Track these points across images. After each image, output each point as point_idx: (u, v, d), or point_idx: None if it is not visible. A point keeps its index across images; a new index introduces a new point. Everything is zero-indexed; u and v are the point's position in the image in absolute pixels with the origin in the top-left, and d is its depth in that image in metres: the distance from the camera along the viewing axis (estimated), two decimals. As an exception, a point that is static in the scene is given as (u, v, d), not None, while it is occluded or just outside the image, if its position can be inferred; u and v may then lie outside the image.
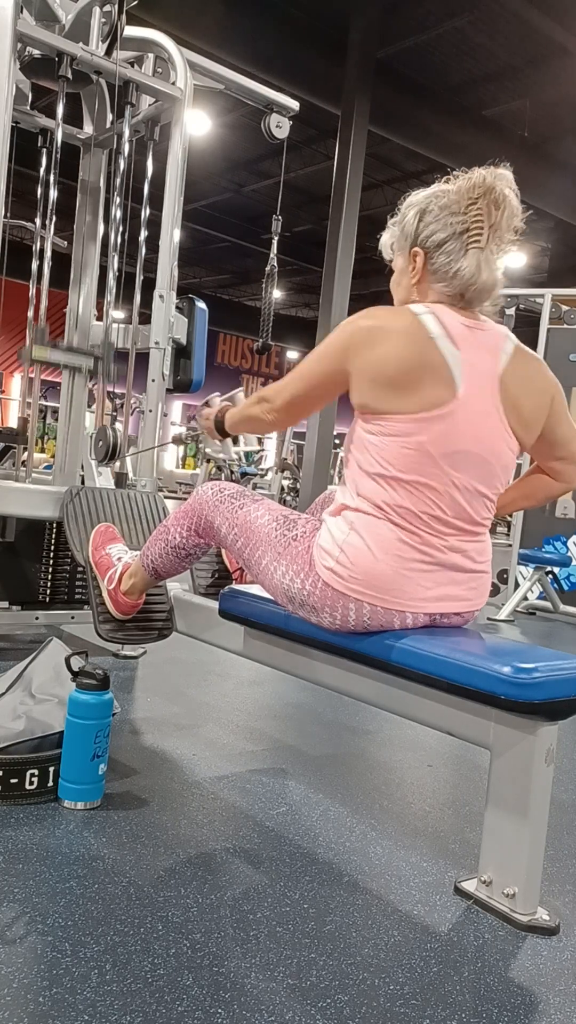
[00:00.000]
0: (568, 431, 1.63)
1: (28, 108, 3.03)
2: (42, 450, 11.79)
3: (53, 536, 2.79)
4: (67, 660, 1.68)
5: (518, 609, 5.14)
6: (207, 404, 1.98)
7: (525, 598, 5.18)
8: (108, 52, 2.60)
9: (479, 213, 1.47)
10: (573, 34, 8.20)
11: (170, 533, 1.90)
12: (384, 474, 1.47)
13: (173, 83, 2.76)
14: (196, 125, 9.48)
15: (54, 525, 2.78)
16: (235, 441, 2.28)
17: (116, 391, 9.03)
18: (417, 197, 1.56)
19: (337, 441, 11.05)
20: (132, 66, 2.78)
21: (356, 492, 1.52)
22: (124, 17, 2.53)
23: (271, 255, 3.13)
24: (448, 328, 1.46)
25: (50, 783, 1.62)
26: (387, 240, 1.64)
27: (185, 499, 2.07)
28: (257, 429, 1.78)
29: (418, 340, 1.45)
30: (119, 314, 2.90)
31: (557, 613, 5.15)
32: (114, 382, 2.74)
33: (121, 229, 2.74)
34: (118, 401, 9.05)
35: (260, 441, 12.81)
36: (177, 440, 2.47)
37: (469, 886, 1.46)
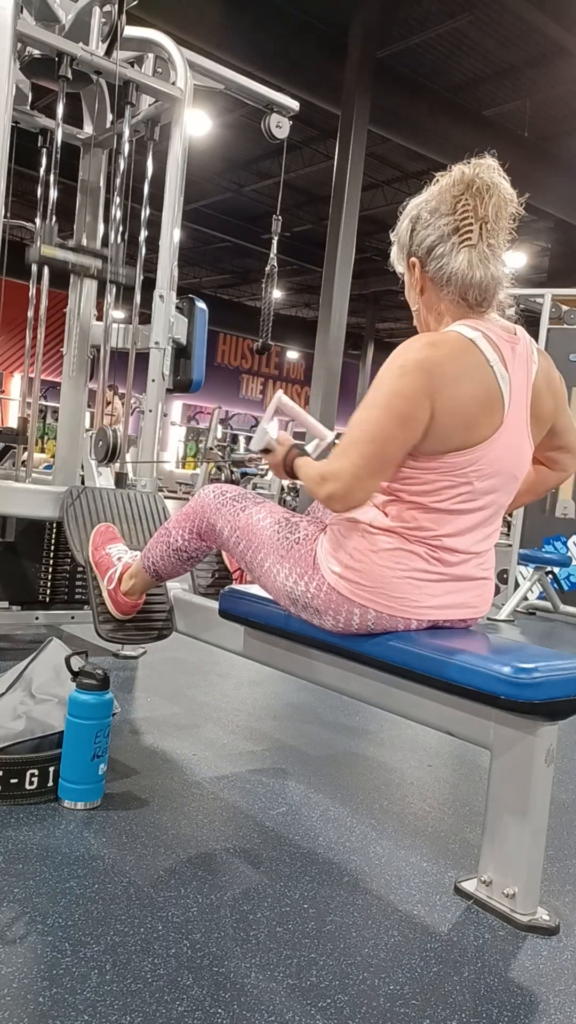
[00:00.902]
0: (567, 422, 1.63)
1: (28, 108, 3.03)
2: (42, 450, 11.80)
3: (53, 536, 2.79)
4: (67, 660, 1.68)
5: (518, 609, 5.14)
6: (270, 439, 1.74)
7: (525, 598, 5.18)
8: (108, 52, 2.60)
9: (465, 207, 1.42)
10: (573, 34, 8.20)
11: (171, 536, 1.90)
12: (416, 503, 1.45)
13: (173, 83, 2.75)
14: (196, 125, 9.48)
15: (54, 525, 2.78)
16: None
17: (113, 393, 9.03)
18: (409, 205, 1.54)
19: (337, 441, 11.02)
20: (132, 66, 2.78)
21: (379, 511, 1.49)
22: (124, 17, 2.53)
23: (271, 255, 3.13)
24: (500, 351, 1.43)
25: (50, 783, 1.62)
26: (394, 255, 1.60)
27: (185, 499, 2.07)
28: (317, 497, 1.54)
29: (484, 372, 1.39)
30: (119, 314, 2.90)
31: (557, 613, 5.15)
32: (123, 284, 2.65)
33: (121, 229, 2.74)
34: (119, 402, 9.05)
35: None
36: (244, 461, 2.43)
37: (469, 886, 1.46)
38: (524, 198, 1.47)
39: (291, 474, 1.64)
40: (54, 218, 2.56)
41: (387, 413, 1.37)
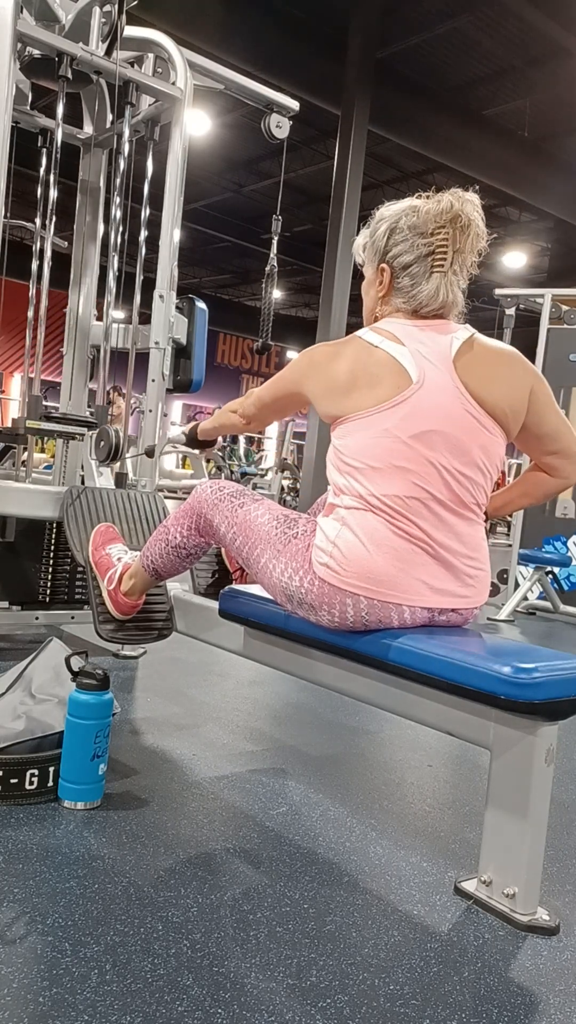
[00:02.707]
0: (558, 424, 1.63)
1: (28, 108, 3.03)
2: (42, 450, 11.79)
3: (53, 536, 2.79)
4: (67, 660, 1.68)
5: (518, 609, 5.14)
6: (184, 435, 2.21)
7: (525, 598, 5.18)
8: (108, 52, 2.60)
9: (445, 238, 1.55)
10: (573, 34, 8.20)
11: (170, 533, 1.91)
12: (359, 467, 1.52)
13: (173, 83, 2.76)
14: (196, 125, 9.49)
15: (54, 525, 2.78)
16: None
17: (116, 392, 9.03)
18: (390, 211, 1.64)
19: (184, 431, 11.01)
20: (132, 66, 2.78)
21: (342, 491, 1.56)
22: (124, 17, 2.53)
23: (271, 255, 3.14)
24: (391, 332, 1.56)
25: (50, 783, 1.62)
26: (359, 244, 1.73)
27: (183, 497, 2.12)
28: (230, 430, 2.00)
29: (362, 351, 1.56)
30: (119, 314, 2.90)
31: (557, 613, 5.15)
32: (113, 446, 2.70)
33: (121, 229, 2.74)
34: (121, 401, 9.05)
35: (257, 443, 12.83)
36: (149, 453, 2.57)
37: (469, 886, 1.46)
38: (491, 239, 1.62)
39: (193, 436, 2.15)
40: (40, 387, 2.64)
41: (277, 386, 1.77)
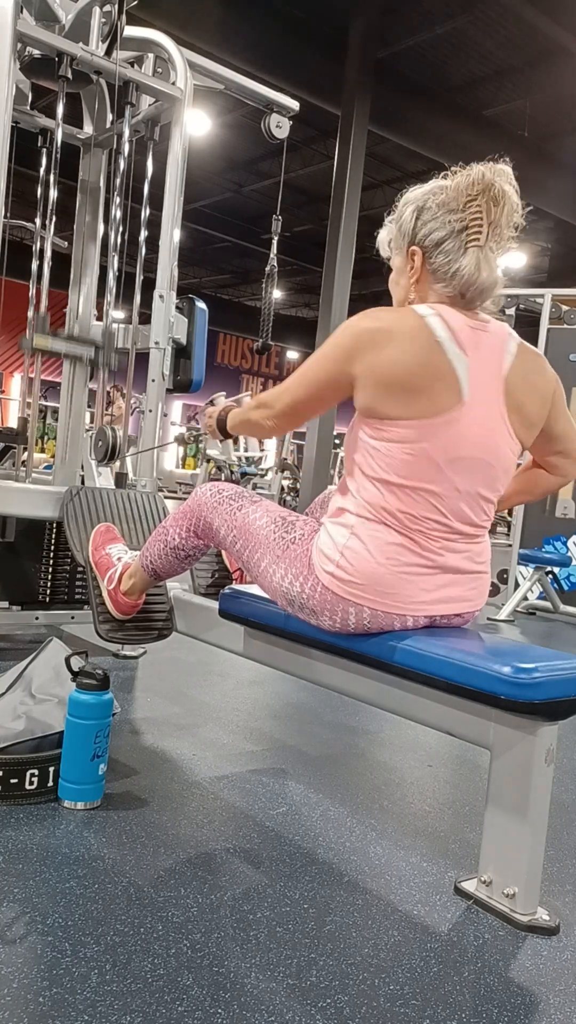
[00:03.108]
0: (567, 427, 1.62)
1: (28, 108, 3.03)
2: (42, 450, 11.79)
3: (53, 536, 2.79)
4: (67, 660, 1.68)
5: (518, 609, 5.14)
6: (211, 403, 1.99)
7: (525, 598, 5.18)
8: (108, 52, 2.60)
9: (478, 210, 1.44)
10: (573, 34, 8.20)
11: (169, 534, 1.90)
12: (387, 480, 1.46)
13: (173, 83, 2.75)
14: (196, 125, 9.48)
15: (54, 525, 2.78)
16: (235, 444, 2.40)
17: (116, 391, 9.03)
18: (415, 194, 1.53)
19: (337, 441, 11.05)
20: (132, 66, 2.78)
21: (357, 496, 1.51)
22: (124, 17, 2.53)
23: (271, 255, 3.13)
24: (455, 331, 1.44)
25: (50, 783, 1.62)
26: (384, 238, 1.60)
27: (185, 499, 2.08)
28: (256, 434, 1.74)
29: (426, 344, 1.42)
30: (119, 314, 2.90)
31: (557, 613, 5.15)
32: (115, 371, 2.73)
33: (121, 229, 2.74)
34: (119, 403, 9.05)
35: (261, 445, 12.83)
36: (180, 440, 2.46)
37: (469, 886, 1.46)
38: (527, 210, 1.49)
39: (223, 427, 1.85)
40: (46, 308, 2.61)
41: (319, 366, 1.52)
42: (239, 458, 11.43)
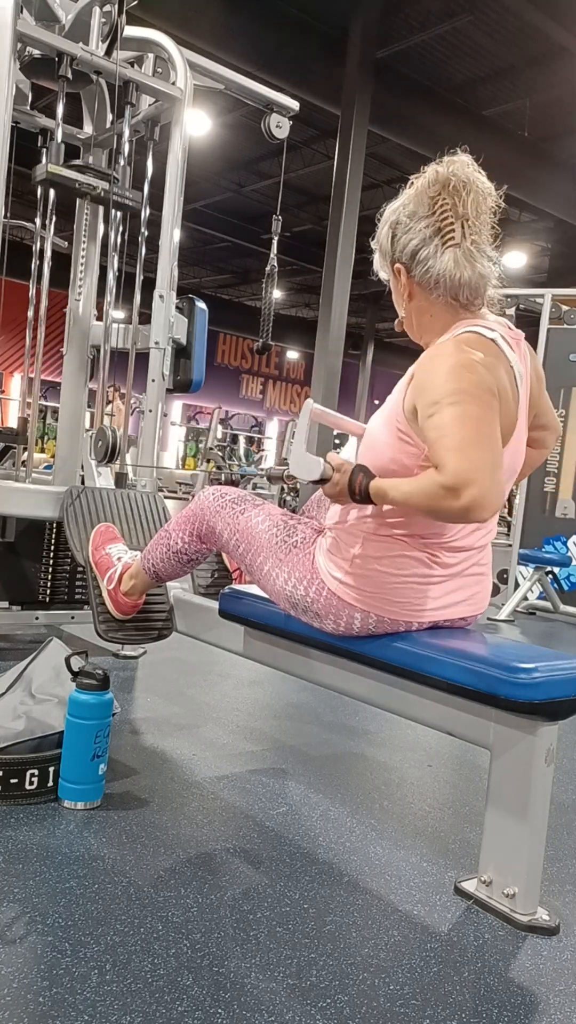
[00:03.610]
0: (546, 403, 1.62)
1: (28, 108, 3.03)
2: (42, 450, 11.80)
3: (53, 536, 2.79)
4: (67, 660, 1.68)
5: (518, 609, 5.14)
6: (325, 466, 1.51)
7: (525, 598, 5.18)
8: (108, 52, 2.60)
9: (444, 208, 1.40)
10: (573, 34, 8.20)
11: (171, 538, 1.90)
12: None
13: (173, 83, 2.75)
14: (196, 125, 9.48)
15: (54, 525, 2.78)
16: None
17: (115, 392, 9.02)
18: (387, 210, 1.52)
19: (337, 441, 11.03)
20: (132, 66, 2.78)
21: (384, 518, 1.47)
22: (124, 17, 2.53)
23: (271, 255, 3.13)
24: (513, 349, 1.42)
25: (50, 783, 1.62)
26: (377, 262, 1.58)
27: (185, 500, 2.07)
28: (448, 517, 1.33)
29: (510, 373, 1.38)
30: (119, 314, 2.90)
31: (557, 613, 5.15)
32: (125, 204, 2.57)
33: (121, 229, 2.73)
34: (118, 403, 9.05)
35: (257, 443, 12.81)
36: (271, 478, 2.39)
37: (469, 886, 1.46)
38: (502, 190, 1.45)
39: (366, 499, 1.42)
40: (61, 135, 2.50)
41: (481, 404, 1.27)
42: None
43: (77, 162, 2.53)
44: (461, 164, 1.42)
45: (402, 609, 1.47)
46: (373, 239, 1.56)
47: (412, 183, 1.48)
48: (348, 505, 1.50)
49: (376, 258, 1.57)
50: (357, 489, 1.42)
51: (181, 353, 2.81)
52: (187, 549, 1.89)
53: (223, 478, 10.63)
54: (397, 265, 1.50)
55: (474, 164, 1.42)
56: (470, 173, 1.41)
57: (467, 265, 1.41)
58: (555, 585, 5.24)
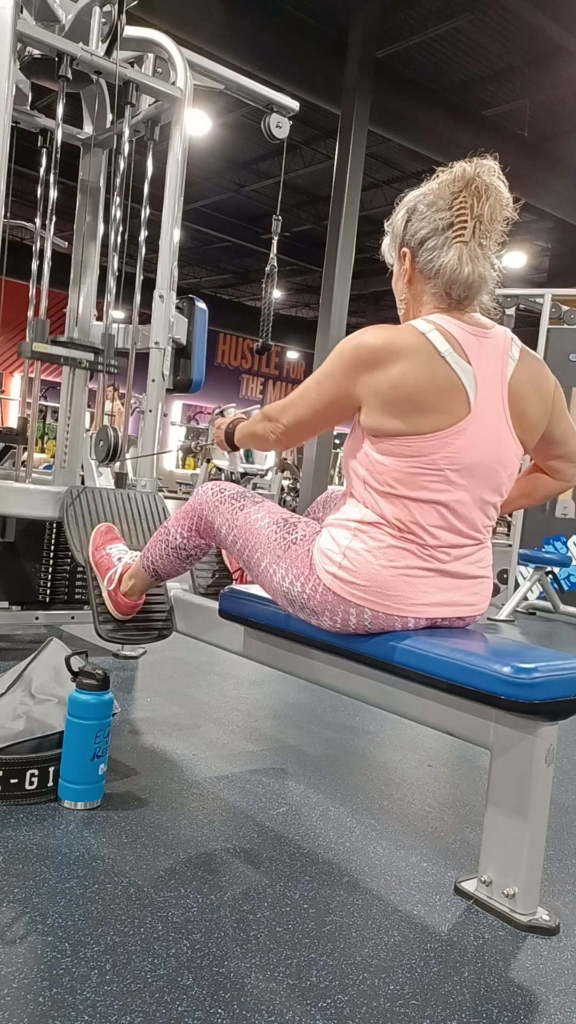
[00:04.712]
0: (567, 430, 1.62)
1: (28, 108, 3.03)
2: (42, 450, 11.80)
3: (53, 536, 2.79)
4: (67, 660, 1.68)
5: (518, 609, 5.14)
6: (221, 413, 1.96)
7: (525, 598, 5.18)
8: (108, 52, 2.60)
9: (462, 205, 1.44)
10: (573, 34, 8.20)
11: (171, 534, 1.90)
12: (393, 492, 1.46)
13: (173, 83, 2.75)
14: (196, 125, 9.48)
15: (54, 525, 2.78)
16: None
17: (114, 393, 9.02)
18: (408, 196, 1.55)
19: (337, 441, 11.04)
20: (132, 66, 2.78)
21: (361, 506, 1.51)
22: (124, 17, 2.53)
23: (271, 255, 3.13)
24: (457, 342, 1.44)
25: (50, 783, 1.62)
26: (386, 245, 1.62)
27: (185, 499, 2.08)
28: (262, 447, 1.73)
29: (430, 360, 1.41)
30: (119, 314, 2.90)
31: (557, 613, 5.15)
32: (115, 374, 2.72)
33: (121, 229, 2.74)
34: (117, 404, 9.05)
35: (265, 460, 12.85)
36: (185, 450, 2.48)
37: (469, 886, 1.46)
38: (519, 204, 1.49)
39: (231, 440, 1.82)
40: (45, 313, 2.59)
41: (321, 386, 1.52)
42: (245, 469, 11.46)
43: (62, 338, 2.64)
44: (488, 169, 1.46)
45: (395, 603, 1.47)
46: (388, 221, 1.60)
47: (437, 175, 1.51)
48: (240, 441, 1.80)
49: (386, 240, 1.61)
50: (227, 428, 1.84)
51: (181, 353, 2.81)
52: (186, 545, 1.89)
53: (223, 478, 10.64)
54: (404, 249, 1.54)
55: (499, 172, 1.46)
56: (494, 180, 1.45)
57: (469, 263, 1.45)
58: (555, 585, 5.24)
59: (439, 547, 1.48)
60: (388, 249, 1.61)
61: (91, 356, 2.60)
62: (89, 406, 3.32)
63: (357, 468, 1.52)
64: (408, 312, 1.58)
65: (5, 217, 2.60)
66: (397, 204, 1.58)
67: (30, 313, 3.16)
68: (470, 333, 1.46)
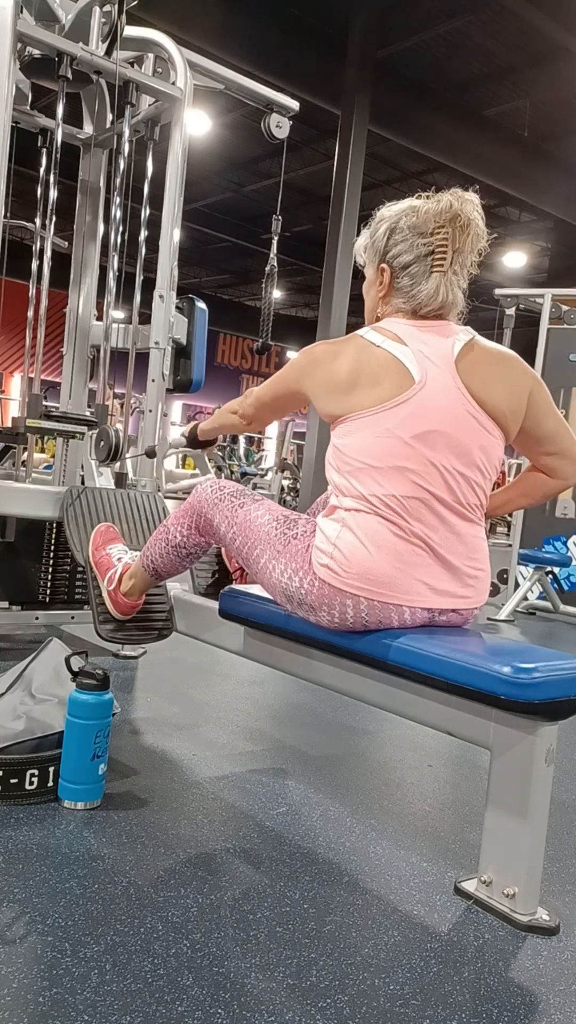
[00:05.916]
0: (555, 426, 1.64)
1: (28, 108, 3.03)
2: (42, 450, 11.79)
3: (53, 536, 2.79)
4: (67, 660, 1.68)
5: (518, 609, 5.14)
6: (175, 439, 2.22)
7: (525, 598, 5.18)
8: (108, 52, 2.60)
9: (445, 237, 1.56)
10: (573, 34, 8.20)
11: (170, 532, 1.91)
12: (359, 467, 1.52)
13: (173, 83, 2.76)
14: (196, 125, 9.48)
15: (54, 525, 2.78)
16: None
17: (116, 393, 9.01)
18: (390, 211, 1.65)
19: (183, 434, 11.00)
20: (132, 66, 2.78)
21: (342, 493, 1.56)
22: (124, 17, 2.53)
23: (271, 255, 3.14)
24: (393, 331, 1.56)
25: (50, 783, 1.62)
26: (360, 245, 1.73)
27: (182, 498, 2.12)
28: (228, 424, 1.98)
29: (363, 350, 1.56)
30: (119, 314, 2.90)
31: (557, 613, 5.15)
32: (113, 443, 2.68)
33: (121, 229, 2.74)
34: (117, 403, 9.05)
35: (257, 443, 12.84)
36: (149, 454, 2.54)
37: (469, 886, 1.46)
38: (491, 238, 1.62)
39: (195, 434, 2.14)
40: (40, 387, 2.62)
41: (276, 385, 1.76)
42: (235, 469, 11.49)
43: (53, 412, 2.68)
44: (471, 204, 1.57)
45: (389, 591, 1.48)
46: (367, 227, 1.71)
47: (421, 196, 1.63)
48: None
49: (361, 243, 1.73)
50: (189, 431, 2.15)
51: (181, 353, 2.81)
52: (185, 543, 1.89)
53: (223, 477, 10.64)
54: (384, 266, 1.64)
55: (479, 207, 1.59)
56: (475, 216, 1.57)
57: (445, 290, 1.58)
58: (555, 585, 5.24)
59: (421, 523, 1.50)
60: (363, 250, 1.72)
61: (84, 429, 2.63)
62: (89, 406, 3.32)
63: (331, 461, 1.61)
64: (371, 316, 1.71)
65: (5, 217, 2.61)
66: (375, 214, 1.68)
67: (30, 313, 3.16)
68: (411, 325, 1.58)
